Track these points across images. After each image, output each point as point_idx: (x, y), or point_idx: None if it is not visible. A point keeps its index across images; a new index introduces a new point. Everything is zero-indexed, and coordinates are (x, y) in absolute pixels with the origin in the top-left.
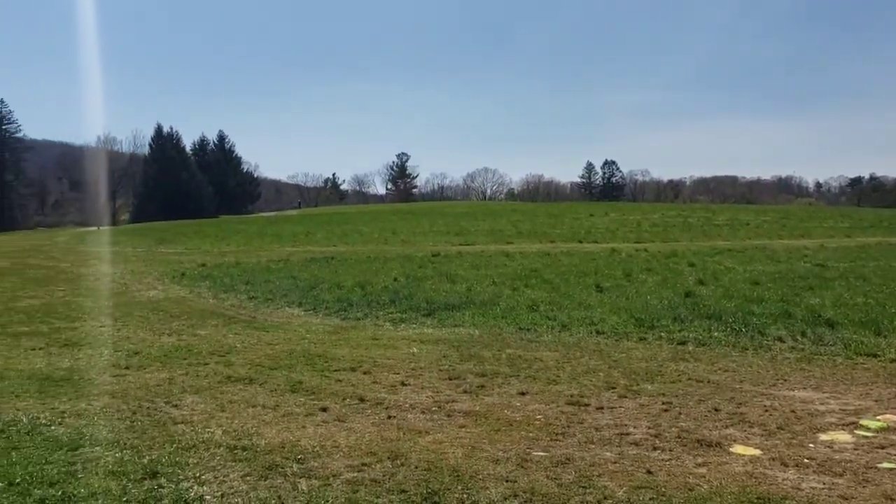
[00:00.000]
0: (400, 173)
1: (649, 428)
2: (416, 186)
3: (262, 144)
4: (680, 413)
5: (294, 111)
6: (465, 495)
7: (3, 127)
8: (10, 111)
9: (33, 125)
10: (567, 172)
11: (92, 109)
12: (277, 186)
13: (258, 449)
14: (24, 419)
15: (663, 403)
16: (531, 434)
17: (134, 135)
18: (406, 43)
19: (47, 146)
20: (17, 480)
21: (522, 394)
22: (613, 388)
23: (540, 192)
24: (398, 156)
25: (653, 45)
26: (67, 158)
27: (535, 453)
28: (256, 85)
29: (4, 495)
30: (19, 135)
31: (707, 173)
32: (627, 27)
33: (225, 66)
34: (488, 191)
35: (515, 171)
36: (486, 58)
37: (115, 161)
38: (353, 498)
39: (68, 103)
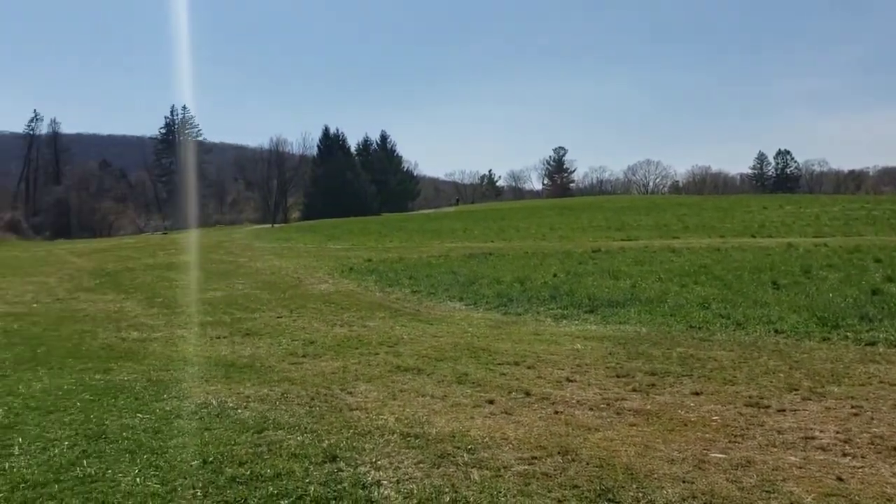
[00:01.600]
0: (557, 168)
1: (837, 433)
2: (573, 181)
3: (421, 143)
4: (872, 418)
5: (451, 109)
6: (640, 494)
7: (186, 131)
8: (192, 116)
9: (212, 130)
10: (736, 164)
11: (264, 114)
12: (436, 184)
13: (429, 437)
14: (214, 402)
15: (852, 407)
16: (707, 435)
17: (303, 137)
18: (563, 34)
19: (225, 149)
20: (211, 459)
21: (696, 394)
22: (796, 389)
23: (707, 185)
24: (555, 150)
25: (827, 30)
26: (243, 160)
27: (713, 455)
28: (416, 84)
29: (200, 472)
30: (200, 138)
31: (893, 162)
32: (797, 14)
33: (387, 68)
34: (650, 184)
35: (680, 163)
36: (648, 48)
37: (286, 162)
38: (525, 490)
39: (243, 109)
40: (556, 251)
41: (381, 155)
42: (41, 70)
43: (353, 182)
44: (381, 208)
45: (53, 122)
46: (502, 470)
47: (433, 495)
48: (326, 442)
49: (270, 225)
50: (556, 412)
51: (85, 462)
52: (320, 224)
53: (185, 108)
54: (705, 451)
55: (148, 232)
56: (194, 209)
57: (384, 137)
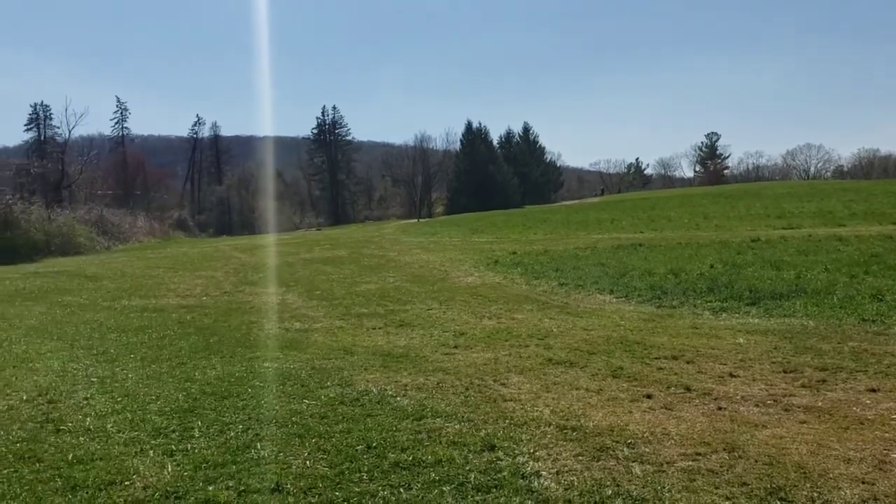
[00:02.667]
0: (709, 154)
1: None
2: (727, 167)
3: (565, 134)
4: None
5: (595, 98)
6: (814, 493)
7: (336, 131)
8: (342, 116)
9: (360, 129)
10: None
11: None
12: (579, 175)
13: (587, 430)
14: (374, 390)
15: None
16: (887, 434)
17: (447, 132)
18: (714, 18)
19: (372, 147)
20: (374, 444)
21: (873, 391)
22: None
23: (875, 169)
24: (707, 136)
25: None
26: (389, 157)
27: (895, 455)
28: (558, 74)
29: (365, 456)
30: (349, 138)
31: None
32: None
33: (529, 58)
34: (812, 169)
35: (844, 147)
36: (806, 26)
37: (430, 157)
38: (690, 486)
39: (389, 108)
40: (712, 241)
41: (523, 147)
42: (203, 78)
43: (495, 175)
44: (523, 200)
45: (214, 125)
46: (665, 465)
47: (594, 488)
48: (483, 431)
49: (416, 220)
50: (720, 408)
51: (258, 445)
52: (464, 218)
53: (334, 108)
54: (886, 451)
55: (303, 228)
56: (344, 206)
57: (526, 129)
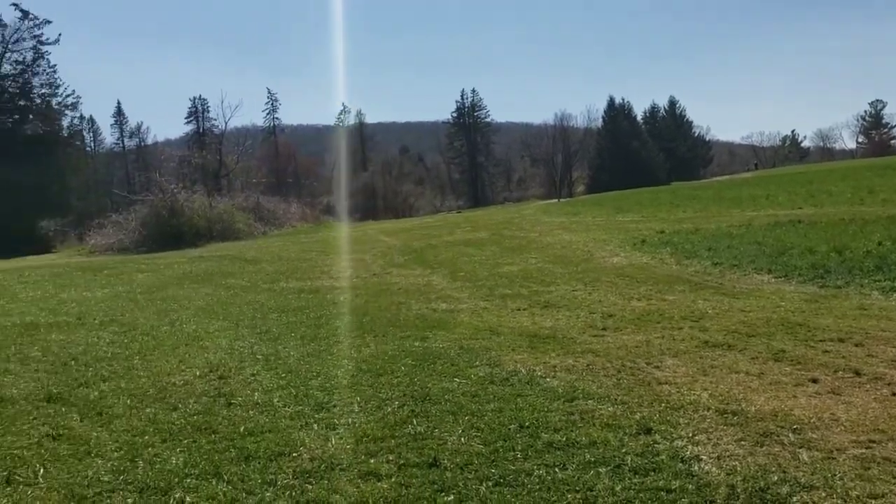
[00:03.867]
0: (873, 123)
1: None
2: (894, 137)
3: (714, 106)
4: None
5: (746, 68)
6: None
7: (475, 114)
8: (481, 99)
9: (499, 110)
10: None
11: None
12: (730, 149)
13: (748, 415)
14: (523, 370)
15: None
16: None
17: (588, 109)
18: None
19: (511, 128)
20: (527, 424)
21: None
22: None
23: None
24: (871, 104)
25: None
26: (529, 137)
27: None
28: (707, 44)
29: (518, 435)
30: (488, 119)
31: None
32: None
33: (673, 29)
34: None
35: None
36: None
37: (571, 136)
38: (864, 475)
39: (529, 87)
40: (879, 216)
41: (669, 122)
42: (348, 67)
43: (639, 151)
44: (670, 177)
45: (359, 113)
46: (835, 452)
47: (758, 473)
48: (639, 414)
49: (557, 200)
50: (894, 393)
51: (415, 421)
52: (607, 196)
53: (473, 91)
54: None
55: (444, 211)
56: (484, 188)
57: (672, 103)
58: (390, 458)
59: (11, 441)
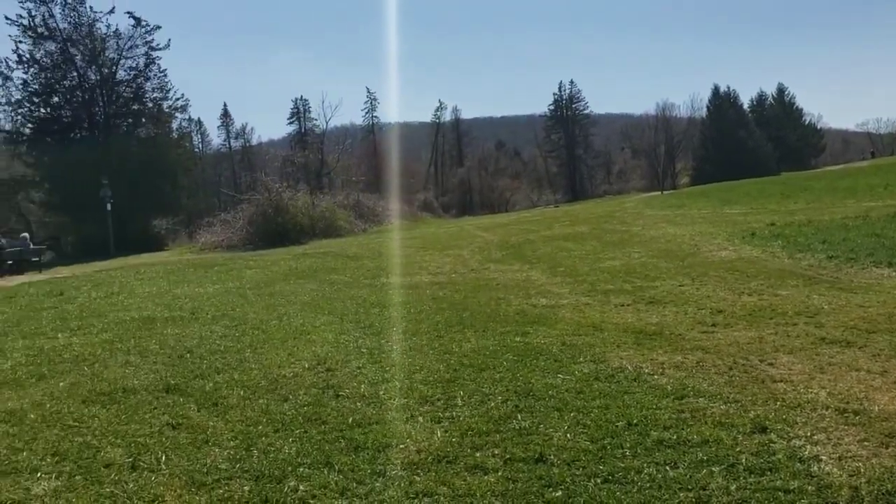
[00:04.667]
0: None
1: None
2: None
3: (826, 93)
4: None
5: (862, 51)
6: None
7: (573, 106)
8: (579, 90)
9: (598, 102)
10: None
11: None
12: (844, 137)
13: (871, 414)
14: (629, 367)
15: None
16: None
17: (691, 99)
18: None
19: (611, 119)
20: (635, 421)
21: None
22: None
23: None
24: None
25: None
26: (629, 128)
27: None
28: (817, 28)
29: (626, 433)
30: (586, 111)
31: None
32: None
33: (781, 12)
34: None
35: None
36: None
37: (673, 126)
38: None
39: (628, 77)
40: None
41: (777, 110)
42: (443, 63)
43: (746, 141)
44: (779, 167)
45: (455, 109)
46: None
47: (885, 476)
48: (752, 413)
49: (659, 192)
50: None
51: (519, 416)
52: (713, 188)
53: (571, 83)
54: None
55: (541, 205)
56: (582, 181)
57: (781, 90)
58: (496, 452)
59: (135, 429)
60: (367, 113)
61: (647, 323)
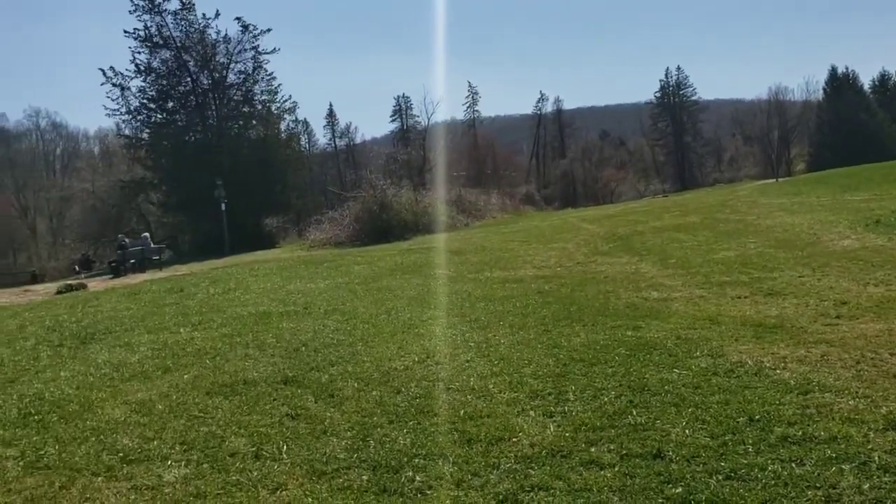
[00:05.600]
0: None
1: None
2: None
3: None
4: None
5: None
6: None
7: (681, 92)
8: (686, 76)
9: (706, 87)
10: None
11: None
12: None
13: None
14: (749, 361)
15: None
16: None
17: (806, 82)
18: None
19: (720, 105)
20: (757, 417)
21: None
22: None
23: None
24: None
25: None
26: (740, 114)
27: None
28: None
29: (747, 429)
30: (694, 98)
31: None
32: None
33: None
34: None
35: None
36: None
37: (787, 111)
38: None
39: (737, 61)
40: None
41: None
42: (545, 55)
43: (867, 124)
44: None
45: (557, 100)
46: None
47: None
48: (885, 408)
49: (774, 179)
50: None
51: (634, 412)
52: (831, 174)
53: (678, 69)
54: None
55: (648, 196)
56: (691, 170)
57: None
58: (611, 447)
59: (257, 420)
60: (467, 107)
61: (766, 316)
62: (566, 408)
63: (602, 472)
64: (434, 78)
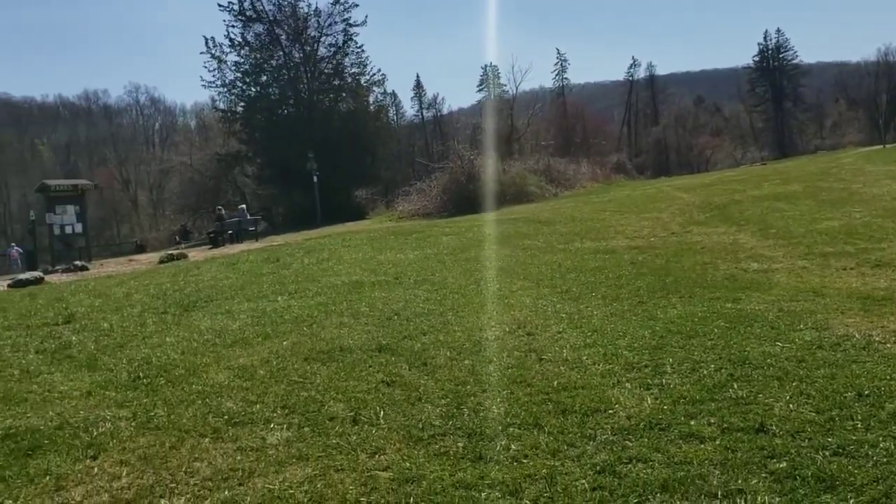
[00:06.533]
0: None
1: None
2: None
3: None
4: None
5: None
6: None
7: (781, 55)
8: (787, 39)
9: (807, 50)
10: None
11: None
12: None
13: None
14: (857, 335)
15: None
16: None
17: None
18: None
19: (823, 68)
20: (866, 392)
21: None
22: None
23: None
24: None
25: None
26: (844, 77)
27: None
28: None
29: (856, 404)
30: (795, 61)
31: None
32: None
33: None
34: None
35: None
36: None
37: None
38: None
39: (842, 22)
40: None
41: None
42: (636, 18)
43: None
44: None
45: (650, 65)
46: None
47: None
48: None
49: (881, 146)
50: None
51: (735, 385)
52: None
53: (778, 31)
54: None
55: (745, 163)
56: (791, 136)
57: None
58: (712, 420)
59: (353, 385)
60: (556, 75)
61: (874, 288)
62: (663, 380)
63: (702, 446)
64: (522, 46)
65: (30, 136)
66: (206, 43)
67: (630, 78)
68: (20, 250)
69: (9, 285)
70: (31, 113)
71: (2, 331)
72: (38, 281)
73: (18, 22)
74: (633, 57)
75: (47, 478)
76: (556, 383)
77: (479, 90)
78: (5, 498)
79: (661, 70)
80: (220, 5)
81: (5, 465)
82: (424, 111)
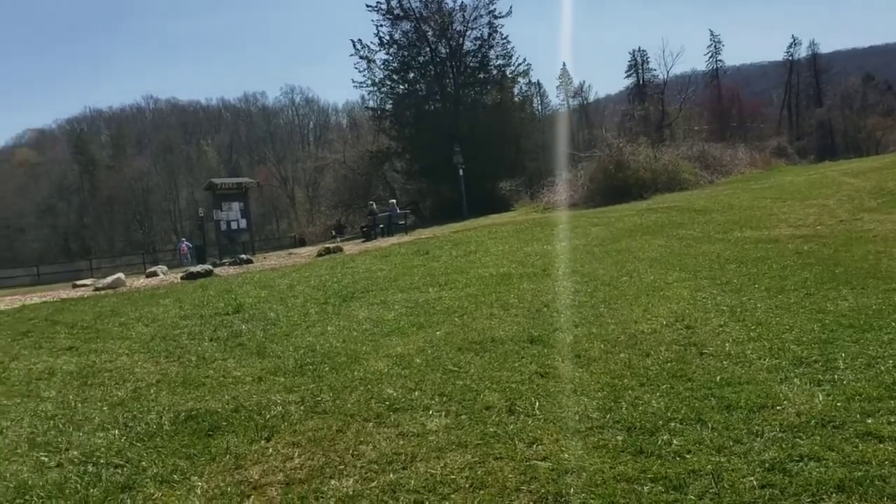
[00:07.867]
0: None
1: None
2: None
3: None
4: None
5: None
6: None
7: None
8: None
9: None
10: None
11: None
12: None
13: None
14: None
15: None
16: None
17: None
18: None
19: None
20: None
21: None
22: None
23: None
24: None
25: None
26: None
27: None
28: None
29: None
30: None
31: None
32: None
33: None
34: None
35: None
36: None
37: None
38: None
39: None
40: None
41: None
42: None
43: None
44: None
45: (812, 43)
46: None
47: None
48: None
49: None
50: None
51: None
52: None
53: None
54: None
55: None
56: None
57: None
58: (892, 419)
59: (507, 376)
60: (710, 57)
61: None
62: (836, 376)
63: (881, 446)
64: (672, 29)
65: (196, 138)
66: (354, 45)
67: (790, 57)
68: (189, 245)
69: (182, 277)
70: (196, 116)
71: (179, 320)
72: (208, 273)
73: (187, 31)
74: (792, 35)
75: (227, 457)
76: (718, 378)
77: (628, 76)
78: (191, 474)
79: (825, 48)
80: (368, 5)
81: (189, 444)
82: (570, 100)
